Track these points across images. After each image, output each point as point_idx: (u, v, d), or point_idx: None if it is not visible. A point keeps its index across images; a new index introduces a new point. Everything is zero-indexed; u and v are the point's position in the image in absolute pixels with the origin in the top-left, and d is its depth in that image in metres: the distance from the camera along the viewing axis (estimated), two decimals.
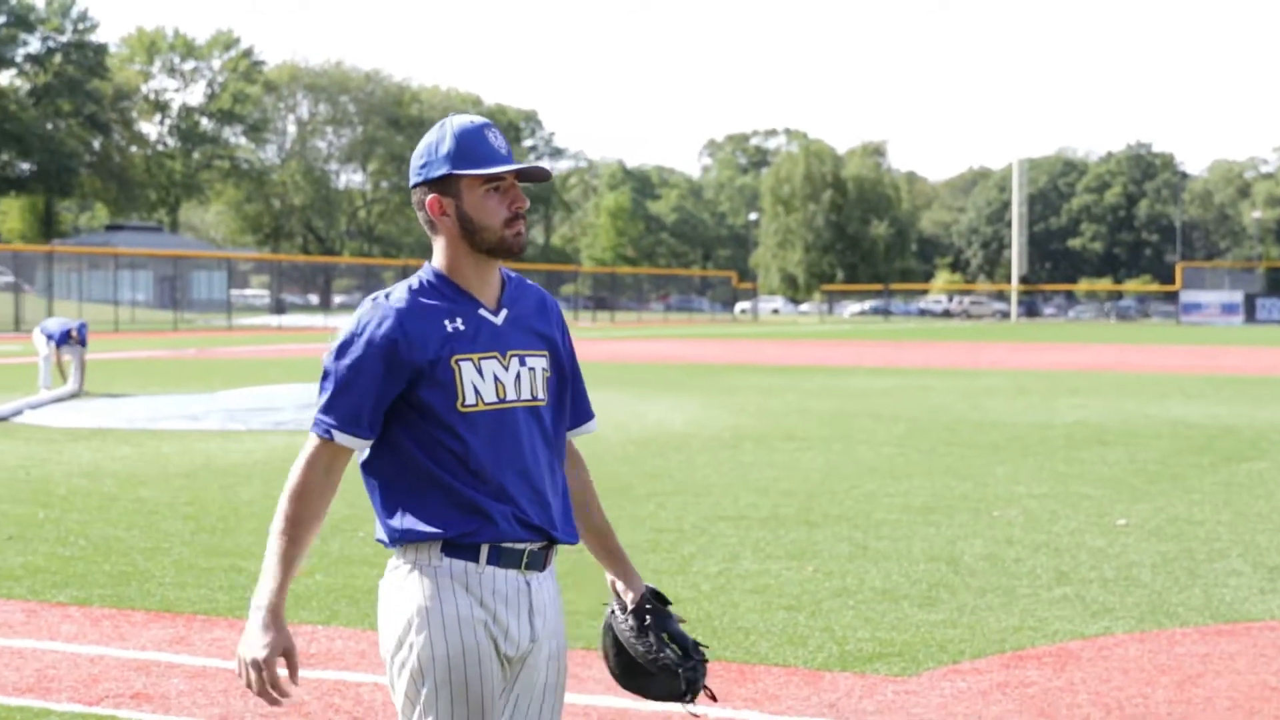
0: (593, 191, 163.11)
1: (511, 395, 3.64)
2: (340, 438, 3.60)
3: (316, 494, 3.63)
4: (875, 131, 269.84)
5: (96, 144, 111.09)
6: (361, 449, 3.66)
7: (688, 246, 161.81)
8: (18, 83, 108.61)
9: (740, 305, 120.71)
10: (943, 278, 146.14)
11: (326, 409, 3.61)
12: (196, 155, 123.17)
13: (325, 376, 3.66)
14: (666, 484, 13.78)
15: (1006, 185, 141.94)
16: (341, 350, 3.64)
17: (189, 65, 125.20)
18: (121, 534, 10.92)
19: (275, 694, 3.55)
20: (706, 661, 3.99)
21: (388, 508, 3.66)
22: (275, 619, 3.55)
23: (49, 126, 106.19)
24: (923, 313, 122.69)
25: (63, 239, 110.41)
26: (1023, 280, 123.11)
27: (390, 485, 3.66)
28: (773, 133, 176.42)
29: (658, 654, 3.90)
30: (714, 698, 4.16)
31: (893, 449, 16.96)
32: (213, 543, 10.53)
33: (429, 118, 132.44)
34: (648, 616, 3.95)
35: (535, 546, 3.68)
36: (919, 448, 17.10)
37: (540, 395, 3.71)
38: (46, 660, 7.39)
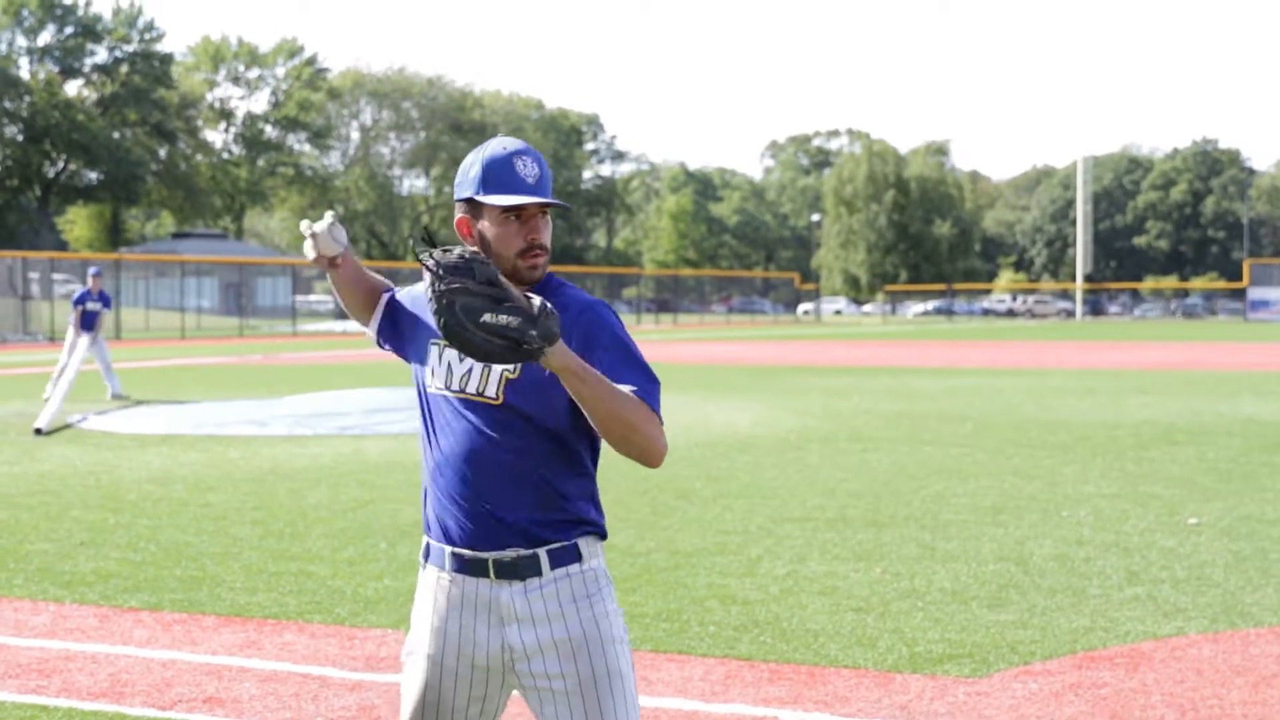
0: (654, 194, 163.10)
1: (455, 385, 3.74)
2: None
3: None
4: (938, 131, 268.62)
5: (162, 152, 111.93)
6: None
7: (750, 248, 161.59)
8: (85, 93, 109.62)
9: (803, 306, 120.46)
10: (1006, 277, 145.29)
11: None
12: (261, 162, 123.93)
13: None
14: (732, 486, 13.76)
15: (1070, 183, 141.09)
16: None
17: (253, 73, 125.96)
18: (191, 539, 10.99)
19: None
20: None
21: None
22: None
23: (116, 136, 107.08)
24: (986, 312, 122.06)
25: (129, 247, 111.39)
26: (1087, 279, 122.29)
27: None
28: (835, 133, 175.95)
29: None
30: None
31: (959, 449, 16.87)
32: (281, 547, 10.58)
33: (491, 123, 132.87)
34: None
35: (505, 556, 3.68)
36: (986, 448, 17.00)
37: (491, 394, 3.69)
38: (120, 665, 7.45)
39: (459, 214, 3.75)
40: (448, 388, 3.73)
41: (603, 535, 3.79)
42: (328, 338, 65.83)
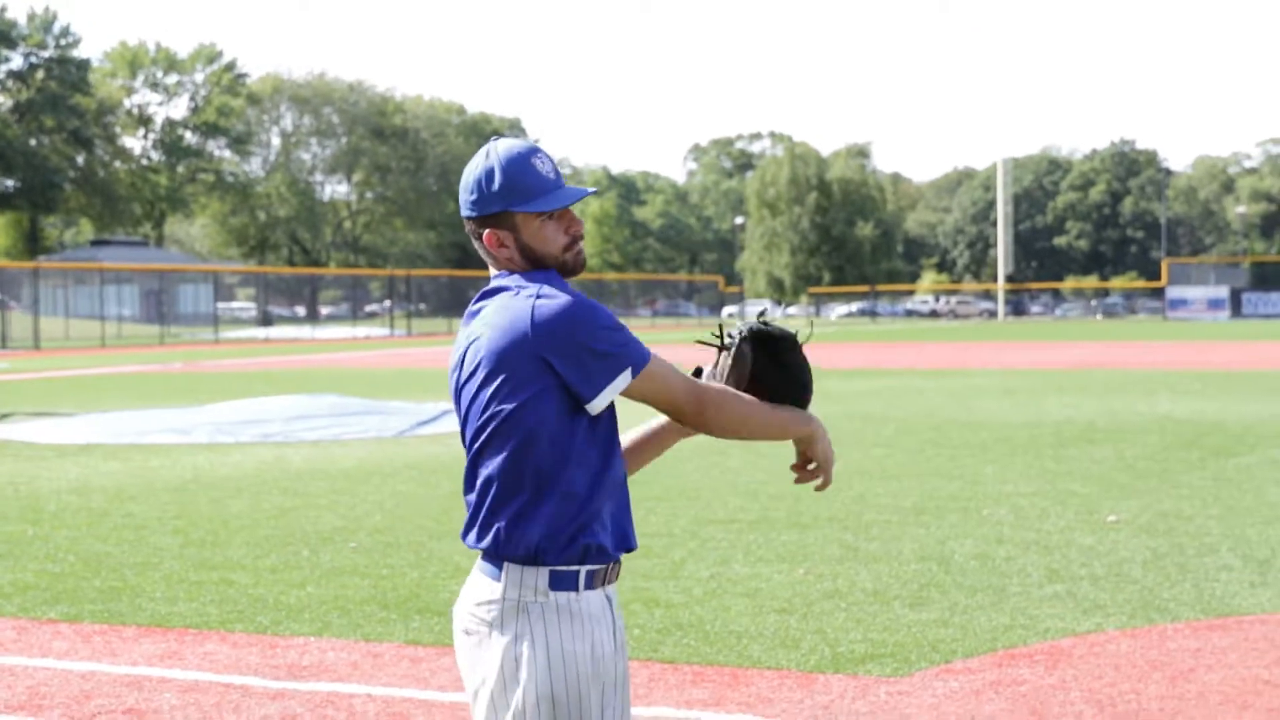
0: None
1: None
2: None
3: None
4: (859, 133, 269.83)
5: (80, 159, 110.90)
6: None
7: (674, 251, 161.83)
8: (0, 99, 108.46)
9: (727, 309, 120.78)
10: (929, 278, 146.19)
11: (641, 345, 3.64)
12: (181, 169, 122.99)
13: (615, 331, 3.57)
14: (655, 489, 13.77)
15: (991, 185, 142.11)
16: (600, 312, 3.58)
17: (172, 79, 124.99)
18: (111, 549, 10.90)
19: None
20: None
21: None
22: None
23: (32, 143, 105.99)
24: (910, 313, 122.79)
25: (48, 255, 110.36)
26: (1009, 279, 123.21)
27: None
28: (757, 136, 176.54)
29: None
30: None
31: (881, 450, 16.97)
32: (203, 556, 10.51)
33: (413, 127, 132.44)
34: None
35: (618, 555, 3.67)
36: (907, 448, 17.11)
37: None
38: (38, 677, 7.38)
39: (481, 229, 3.59)
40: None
41: None
42: (250, 345, 65.37)
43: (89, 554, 10.71)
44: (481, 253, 3.65)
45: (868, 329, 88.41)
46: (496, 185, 3.55)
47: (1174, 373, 32.47)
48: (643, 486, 13.97)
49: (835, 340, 64.17)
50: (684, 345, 58.87)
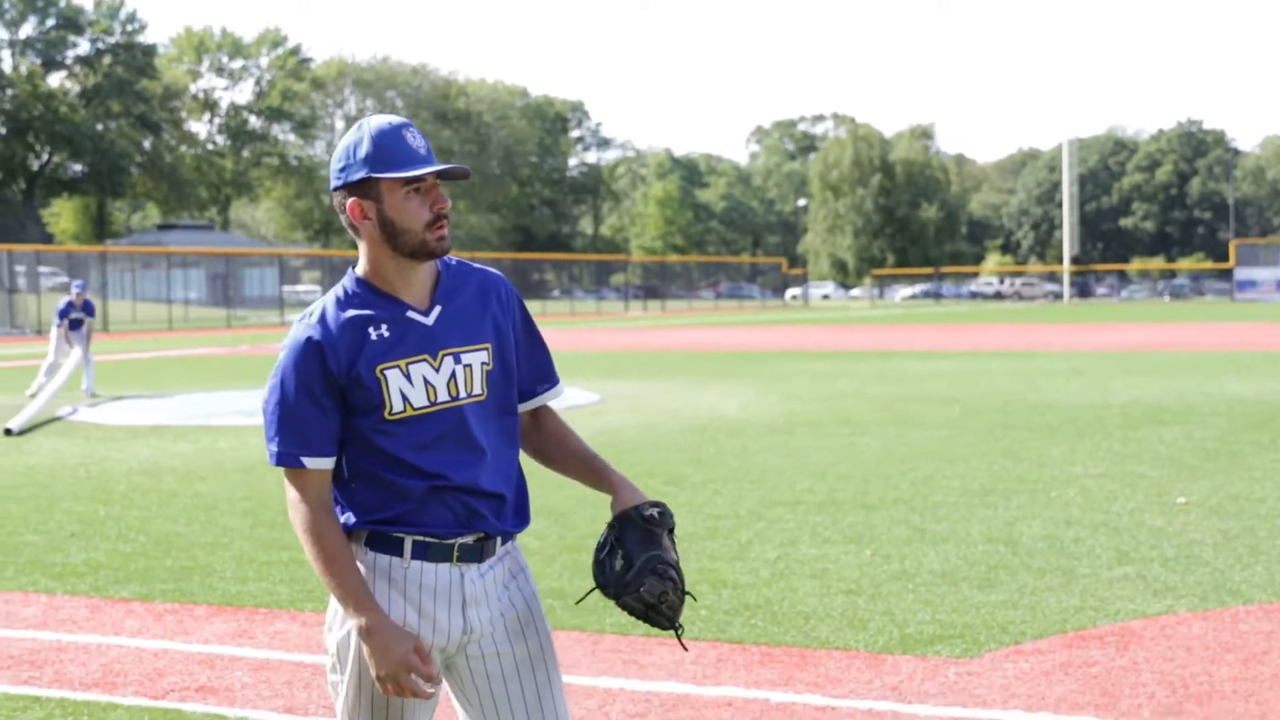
0: (641, 181, 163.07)
1: (444, 396, 3.60)
2: (307, 462, 3.57)
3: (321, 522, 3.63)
4: (923, 114, 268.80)
5: (147, 144, 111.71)
6: (329, 466, 3.61)
7: (737, 234, 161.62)
8: (68, 85, 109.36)
9: (791, 291, 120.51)
10: (993, 260, 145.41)
11: (279, 438, 3.59)
12: (246, 153, 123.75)
13: (267, 406, 3.63)
14: (722, 470, 13.78)
15: (1056, 166, 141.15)
16: (277, 379, 3.63)
17: (237, 64, 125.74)
18: (181, 529, 10.99)
19: (425, 686, 3.52)
20: (669, 592, 3.79)
21: (336, 499, 3.67)
22: (385, 623, 3.52)
23: (100, 127, 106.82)
24: (974, 295, 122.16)
25: (115, 239, 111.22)
26: (1074, 261, 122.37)
27: (336, 478, 3.66)
28: (820, 118, 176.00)
29: (606, 574, 3.79)
30: (683, 646, 4.19)
31: (948, 432, 16.91)
32: (272, 537, 10.59)
33: (476, 111, 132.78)
34: (612, 533, 3.81)
35: (469, 539, 3.64)
36: (974, 430, 17.03)
37: (478, 391, 3.65)
38: (112, 655, 7.45)
39: (346, 199, 3.58)
40: (433, 403, 3.60)
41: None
42: None
43: (160, 534, 10.81)
44: (347, 226, 3.65)
45: (932, 311, 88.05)
46: (363, 153, 3.55)
47: (1243, 354, 32.19)
48: (709, 468, 13.99)
49: (899, 322, 63.95)
50: (747, 328, 58.81)
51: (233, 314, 73.13)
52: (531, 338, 3.81)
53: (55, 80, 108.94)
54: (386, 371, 3.56)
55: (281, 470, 3.63)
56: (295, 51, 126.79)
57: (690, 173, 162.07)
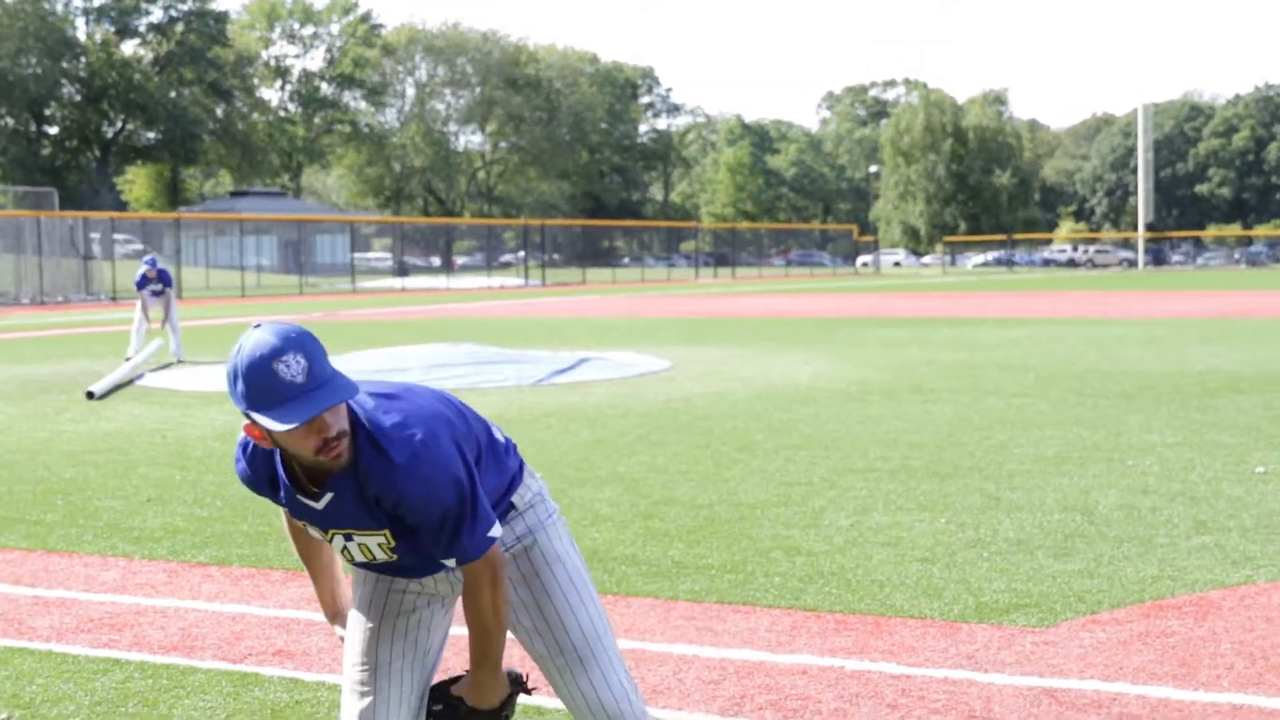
0: (711, 147, 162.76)
1: (357, 557, 3.88)
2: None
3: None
4: (995, 79, 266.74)
5: (219, 111, 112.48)
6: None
7: (808, 200, 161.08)
8: (141, 52, 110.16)
9: (862, 258, 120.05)
10: (1067, 227, 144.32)
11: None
12: (317, 120, 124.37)
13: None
14: (794, 438, 13.74)
15: (1131, 131, 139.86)
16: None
17: (308, 31, 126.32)
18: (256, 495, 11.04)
19: None
20: None
21: None
22: None
23: (173, 95, 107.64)
24: (1047, 263, 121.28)
25: (188, 206, 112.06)
26: (1149, 228, 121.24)
27: None
28: (891, 83, 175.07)
29: None
30: None
31: (1022, 399, 16.79)
32: None
33: (545, 77, 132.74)
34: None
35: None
36: (1049, 398, 16.91)
37: (382, 557, 3.84)
38: (190, 619, 7.51)
39: (245, 420, 3.60)
40: (347, 558, 3.92)
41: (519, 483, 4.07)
42: (386, 294, 66.05)
43: (235, 499, 10.88)
44: None
45: (1005, 278, 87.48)
46: (239, 389, 3.51)
47: None
48: (781, 435, 13.95)
49: (972, 290, 63.59)
50: (818, 295, 58.62)
51: (304, 281, 73.54)
52: (429, 529, 3.71)
53: (129, 48, 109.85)
54: (304, 517, 3.81)
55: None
56: (366, 18, 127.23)
57: (761, 139, 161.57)
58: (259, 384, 3.45)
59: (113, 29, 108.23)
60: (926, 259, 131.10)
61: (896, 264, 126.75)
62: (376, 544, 3.75)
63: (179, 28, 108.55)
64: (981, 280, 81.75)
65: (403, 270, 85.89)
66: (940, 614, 7.32)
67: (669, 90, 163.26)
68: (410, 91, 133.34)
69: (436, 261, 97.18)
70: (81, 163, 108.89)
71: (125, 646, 7.01)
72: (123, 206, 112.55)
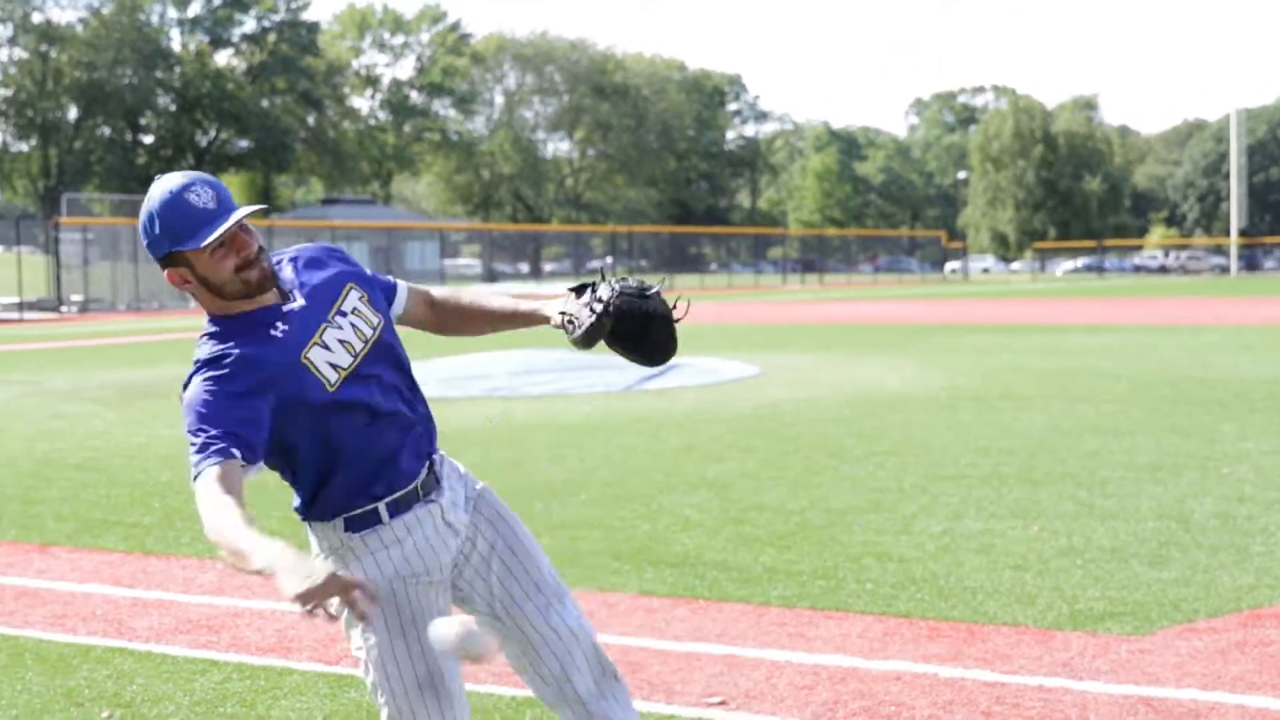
0: (798, 154, 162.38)
1: (359, 346, 3.89)
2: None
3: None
4: (1085, 85, 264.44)
5: (311, 120, 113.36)
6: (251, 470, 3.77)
7: (896, 207, 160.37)
8: (235, 62, 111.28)
9: (950, 265, 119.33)
10: (1158, 233, 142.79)
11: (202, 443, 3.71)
12: (407, 128, 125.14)
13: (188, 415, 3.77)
14: (884, 444, 13.70)
15: (1223, 136, 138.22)
16: (193, 389, 3.78)
17: (398, 40, 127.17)
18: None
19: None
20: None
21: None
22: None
23: (265, 104, 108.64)
24: (1138, 269, 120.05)
25: (281, 213, 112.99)
26: (1242, 233, 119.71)
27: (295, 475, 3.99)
28: (980, 89, 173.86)
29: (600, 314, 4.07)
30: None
31: (1114, 406, 16.65)
32: None
33: (633, 85, 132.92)
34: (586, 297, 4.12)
35: (422, 472, 3.99)
36: (1141, 405, 16.76)
37: (373, 319, 3.97)
38: (286, 621, 7.59)
39: (165, 271, 3.77)
40: (356, 356, 3.88)
41: None
42: None
43: None
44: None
45: (1095, 285, 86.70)
46: (158, 229, 3.71)
47: None
48: (871, 441, 13.91)
49: (1062, 296, 63.08)
50: (907, 301, 58.34)
51: None
52: (360, 275, 4.09)
53: (222, 58, 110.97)
54: (312, 351, 3.81)
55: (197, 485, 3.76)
56: (455, 27, 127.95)
57: (848, 145, 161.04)
58: (174, 217, 3.67)
59: (207, 39, 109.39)
60: (1015, 265, 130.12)
61: (985, 270, 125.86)
62: (357, 297, 3.97)
63: (271, 38, 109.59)
64: (1071, 287, 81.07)
65: (492, 277, 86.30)
66: (1034, 621, 7.28)
67: (756, 97, 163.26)
68: (499, 99, 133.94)
69: (525, 268, 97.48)
70: (176, 171, 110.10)
71: (223, 648, 7.10)
72: None
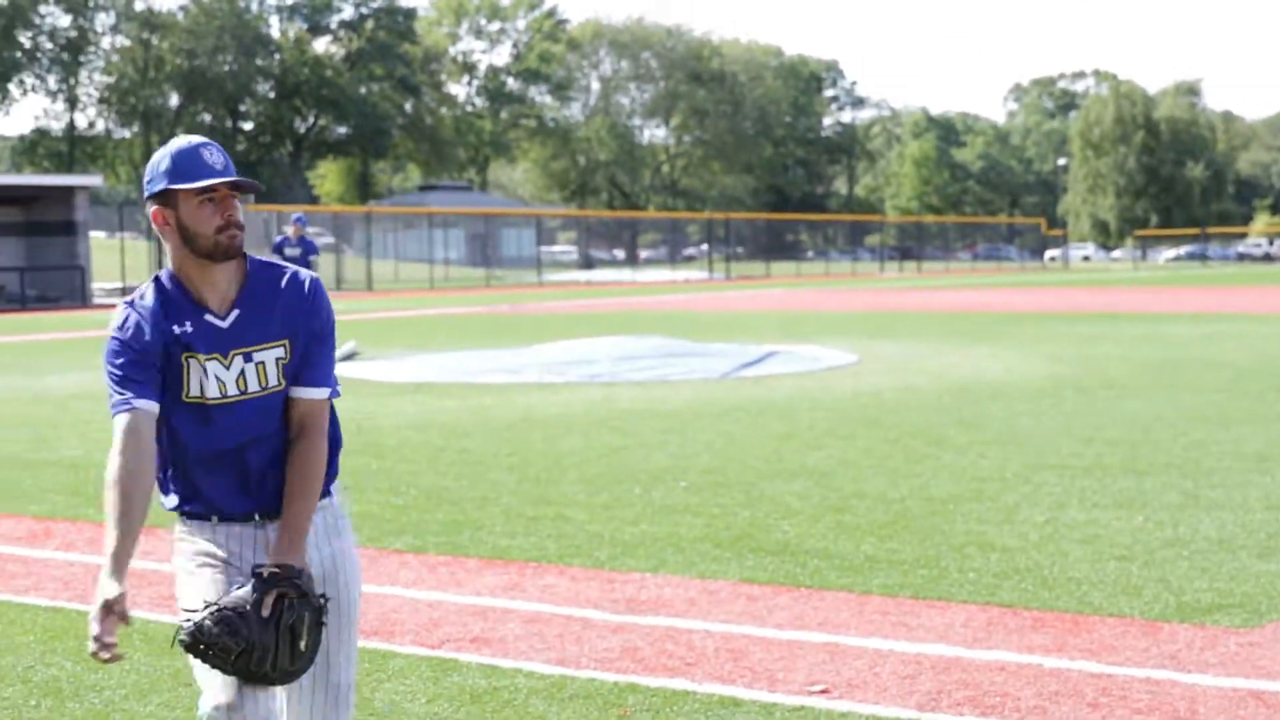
0: (896, 140, 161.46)
1: (233, 391, 3.94)
2: (137, 403, 3.89)
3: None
4: (1188, 70, 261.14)
5: (408, 106, 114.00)
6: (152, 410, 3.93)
7: (994, 194, 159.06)
8: (333, 49, 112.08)
9: (1050, 253, 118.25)
10: (1263, 220, 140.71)
11: (120, 390, 3.91)
12: (504, 114, 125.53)
13: (109, 377, 3.96)
14: (986, 433, 13.60)
15: None
16: (110, 351, 3.96)
17: (494, 26, 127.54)
18: (450, 484, 11.22)
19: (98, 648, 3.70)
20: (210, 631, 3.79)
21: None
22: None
23: (363, 90, 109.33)
24: (1242, 257, 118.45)
25: (378, 200, 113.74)
26: None
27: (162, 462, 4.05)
28: (1080, 75, 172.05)
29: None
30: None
31: (1220, 396, 16.44)
32: (538, 492, 10.74)
33: (730, 71, 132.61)
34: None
35: (269, 505, 4.03)
36: (1248, 394, 16.53)
37: (272, 384, 3.98)
38: (389, 604, 7.64)
39: (152, 208, 3.94)
40: (223, 396, 3.95)
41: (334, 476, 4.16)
42: (571, 287, 66.51)
43: (430, 488, 11.04)
44: (157, 233, 3.99)
45: (1198, 273, 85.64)
46: (164, 168, 3.92)
47: None
48: (972, 430, 13.82)
49: (1164, 284, 62.37)
50: (1006, 289, 57.88)
51: (491, 274, 74.30)
52: (315, 339, 4.04)
53: (321, 45, 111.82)
54: (189, 360, 3.94)
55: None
56: (551, 14, 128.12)
57: (946, 132, 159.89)
58: (184, 163, 3.89)
59: (305, 26, 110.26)
60: (1116, 253, 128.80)
61: (1085, 258, 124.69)
62: (275, 359, 3.96)
63: (369, 25, 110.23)
64: (1174, 275, 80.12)
65: (588, 263, 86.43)
66: (1140, 613, 7.20)
67: (853, 83, 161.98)
68: (595, 86, 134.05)
69: (621, 254, 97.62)
70: (275, 158, 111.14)
71: None
72: (314, 200, 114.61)
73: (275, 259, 4.20)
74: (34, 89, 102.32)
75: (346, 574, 4.10)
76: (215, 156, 3.92)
